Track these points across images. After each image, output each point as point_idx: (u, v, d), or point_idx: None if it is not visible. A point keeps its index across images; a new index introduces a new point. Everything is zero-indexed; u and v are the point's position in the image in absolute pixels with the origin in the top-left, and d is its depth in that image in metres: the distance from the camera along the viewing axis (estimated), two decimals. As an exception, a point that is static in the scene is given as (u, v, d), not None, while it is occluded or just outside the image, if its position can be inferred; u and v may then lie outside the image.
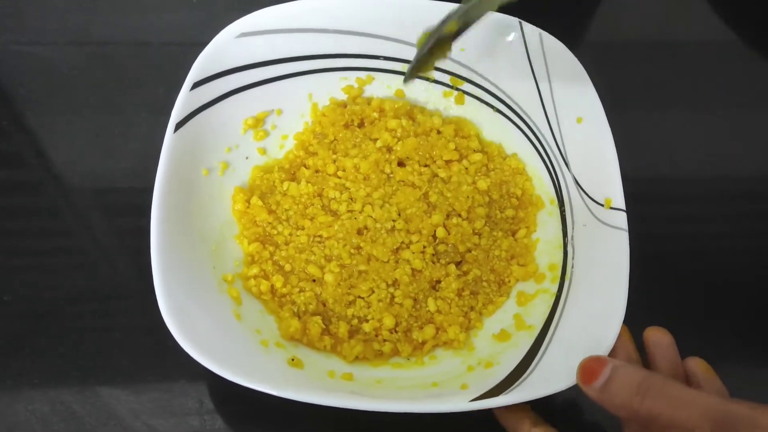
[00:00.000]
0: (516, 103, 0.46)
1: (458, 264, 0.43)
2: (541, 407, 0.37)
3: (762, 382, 0.43)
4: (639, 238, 0.39)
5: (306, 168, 0.45)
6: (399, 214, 0.43)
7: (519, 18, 0.45)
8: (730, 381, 0.42)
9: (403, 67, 0.47)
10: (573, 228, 0.42)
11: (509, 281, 0.42)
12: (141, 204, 0.39)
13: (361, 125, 0.47)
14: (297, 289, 0.41)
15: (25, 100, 0.51)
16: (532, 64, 0.44)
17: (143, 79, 0.52)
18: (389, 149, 0.45)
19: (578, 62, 0.43)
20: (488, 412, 0.36)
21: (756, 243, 0.49)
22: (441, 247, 0.43)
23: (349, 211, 0.43)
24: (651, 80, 0.55)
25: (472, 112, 0.47)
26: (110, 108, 0.51)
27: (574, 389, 0.34)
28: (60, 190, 0.48)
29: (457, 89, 0.47)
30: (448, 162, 0.45)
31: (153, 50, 0.54)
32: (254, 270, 0.41)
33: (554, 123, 0.44)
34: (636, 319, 0.37)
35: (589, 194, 0.41)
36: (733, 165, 0.52)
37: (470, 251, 0.43)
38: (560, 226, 0.43)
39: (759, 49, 0.58)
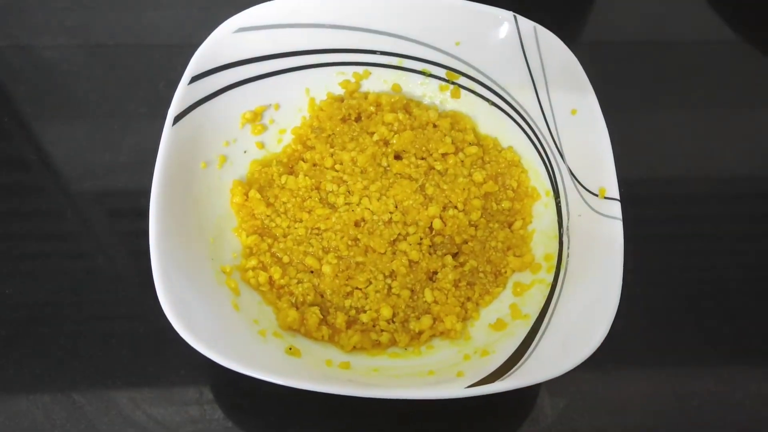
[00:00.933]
0: (511, 96, 0.46)
1: (455, 255, 0.43)
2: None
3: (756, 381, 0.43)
4: (635, 236, 0.39)
5: (304, 161, 0.46)
6: (396, 207, 0.44)
7: (514, 12, 0.45)
8: (724, 378, 0.43)
9: (400, 62, 0.47)
10: (568, 218, 0.42)
11: (505, 272, 0.43)
12: (140, 197, 0.40)
13: (358, 119, 0.47)
14: (295, 281, 0.41)
15: (25, 98, 0.52)
16: (527, 57, 0.45)
17: (142, 77, 0.53)
18: (386, 143, 0.46)
19: (572, 54, 0.43)
20: (483, 400, 0.36)
21: (750, 242, 0.49)
22: (438, 239, 0.43)
23: (346, 203, 0.44)
24: (648, 79, 0.56)
25: (468, 105, 0.48)
26: (110, 105, 0.51)
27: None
28: (59, 186, 0.48)
29: (453, 83, 0.48)
30: (444, 155, 0.46)
31: (152, 48, 0.54)
32: (252, 262, 0.41)
33: (549, 115, 0.44)
34: (630, 308, 0.37)
35: (584, 185, 0.41)
36: (730, 164, 0.52)
37: (467, 243, 0.43)
38: (556, 217, 0.43)
39: (756, 48, 0.58)
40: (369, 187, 0.44)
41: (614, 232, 0.38)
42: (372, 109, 0.47)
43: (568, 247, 0.41)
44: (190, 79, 0.42)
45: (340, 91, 0.48)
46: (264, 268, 0.42)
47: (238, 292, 0.40)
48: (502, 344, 0.38)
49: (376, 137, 0.46)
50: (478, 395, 0.33)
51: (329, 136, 0.46)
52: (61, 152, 0.49)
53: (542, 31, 0.44)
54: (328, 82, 0.48)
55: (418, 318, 0.41)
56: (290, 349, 0.38)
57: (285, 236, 0.43)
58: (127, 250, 0.45)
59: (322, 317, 0.40)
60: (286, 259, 0.42)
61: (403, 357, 0.40)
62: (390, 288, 0.41)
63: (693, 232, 0.48)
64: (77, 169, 0.49)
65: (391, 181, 0.44)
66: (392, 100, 0.47)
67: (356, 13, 0.46)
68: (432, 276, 0.43)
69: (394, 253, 0.42)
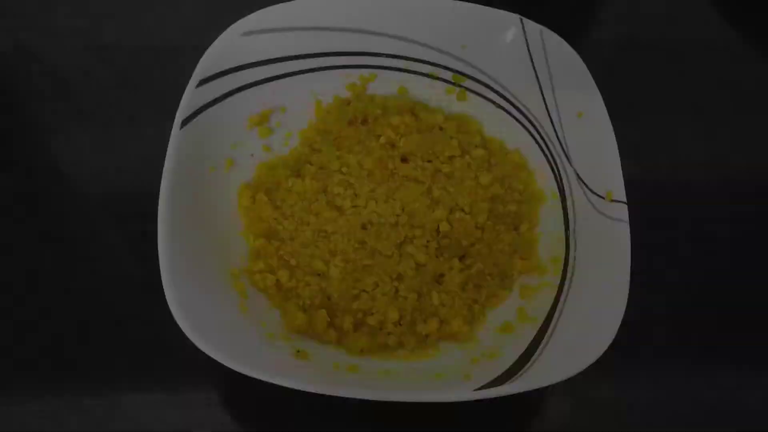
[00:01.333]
0: (518, 99, 0.46)
1: (461, 258, 0.43)
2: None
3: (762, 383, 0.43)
4: (642, 239, 0.39)
5: (310, 165, 0.46)
6: (402, 209, 0.44)
7: (520, 15, 0.45)
8: (730, 381, 0.43)
9: (406, 65, 0.47)
10: (575, 221, 0.42)
11: (512, 274, 0.43)
12: (147, 201, 0.40)
13: (364, 122, 0.47)
14: (302, 283, 0.41)
15: (31, 101, 0.52)
16: (534, 60, 0.45)
17: (149, 80, 0.53)
18: (392, 145, 0.46)
19: (578, 57, 0.43)
20: (489, 403, 0.36)
21: (760, 245, 0.49)
22: (444, 242, 0.43)
23: (353, 206, 0.44)
24: (654, 80, 0.55)
25: (474, 108, 0.48)
26: (116, 108, 0.51)
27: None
28: (65, 190, 0.48)
29: (460, 86, 0.48)
30: (450, 158, 0.46)
31: (159, 51, 0.54)
32: (260, 265, 0.41)
33: (555, 118, 0.44)
34: (636, 311, 0.37)
35: (591, 187, 0.41)
36: (738, 166, 0.52)
37: (473, 245, 0.43)
38: (562, 220, 0.43)
39: (762, 47, 0.58)
40: (375, 189, 0.44)
41: (621, 234, 0.38)
42: (378, 112, 0.47)
43: (575, 250, 0.41)
44: (197, 82, 0.42)
45: (346, 94, 0.48)
46: (271, 271, 0.42)
47: (246, 295, 0.40)
48: (509, 347, 0.39)
49: (382, 140, 0.46)
50: (485, 398, 0.33)
51: (336, 139, 0.46)
52: (67, 156, 0.49)
53: (548, 33, 0.45)
54: (334, 85, 0.48)
55: (425, 321, 0.41)
56: (298, 352, 0.38)
57: (292, 239, 0.43)
58: (134, 253, 0.45)
59: (329, 320, 0.40)
60: (293, 261, 0.42)
61: (411, 360, 0.40)
62: (397, 291, 0.42)
63: (700, 234, 0.48)
64: (83, 172, 0.49)
65: (397, 183, 0.44)
66: (399, 102, 0.47)
67: (363, 16, 0.46)
68: (439, 279, 0.43)
69: (400, 256, 0.42)
